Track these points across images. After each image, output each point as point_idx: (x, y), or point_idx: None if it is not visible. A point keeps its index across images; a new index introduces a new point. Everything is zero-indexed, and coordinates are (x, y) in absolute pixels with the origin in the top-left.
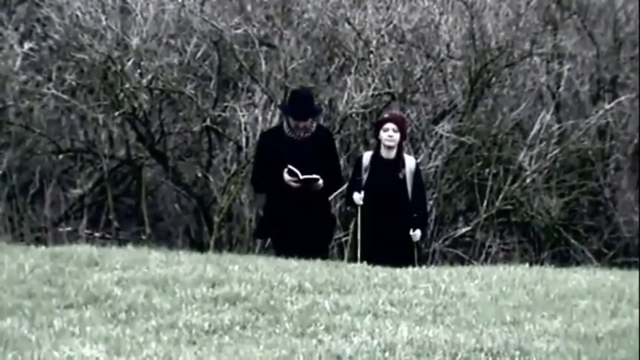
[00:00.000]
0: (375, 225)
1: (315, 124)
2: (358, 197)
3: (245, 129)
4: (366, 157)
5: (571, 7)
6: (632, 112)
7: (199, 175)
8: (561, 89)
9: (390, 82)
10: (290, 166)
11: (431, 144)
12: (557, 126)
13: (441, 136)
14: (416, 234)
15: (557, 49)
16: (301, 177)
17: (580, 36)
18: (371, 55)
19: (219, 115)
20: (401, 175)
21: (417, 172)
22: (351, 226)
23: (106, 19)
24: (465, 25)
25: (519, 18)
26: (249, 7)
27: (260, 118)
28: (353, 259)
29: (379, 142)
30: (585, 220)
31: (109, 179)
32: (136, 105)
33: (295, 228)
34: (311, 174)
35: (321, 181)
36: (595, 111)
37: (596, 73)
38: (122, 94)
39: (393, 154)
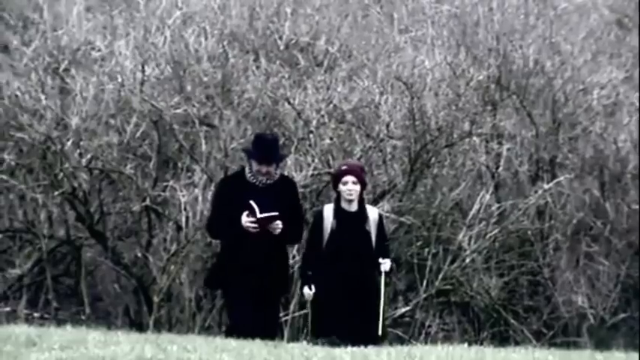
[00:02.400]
0: (339, 279)
1: (279, 172)
2: (308, 293)
3: (185, 209)
4: (327, 210)
5: (510, 88)
6: (570, 192)
7: (139, 254)
8: (500, 169)
9: (330, 161)
10: (251, 202)
11: None
12: (496, 206)
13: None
14: (385, 262)
15: (497, 129)
16: (259, 215)
17: (519, 116)
18: (311, 135)
19: (159, 195)
20: (367, 227)
21: (380, 224)
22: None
23: (46, 98)
24: (405, 105)
25: (459, 98)
26: (188, 87)
27: (200, 198)
28: (312, 329)
29: (338, 194)
30: (525, 300)
31: (48, 259)
32: (75, 185)
33: (250, 276)
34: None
35: (279, 223)
36: (534, 191)
37: (535, 153)
38: (61, 174)
39: (355, 206)
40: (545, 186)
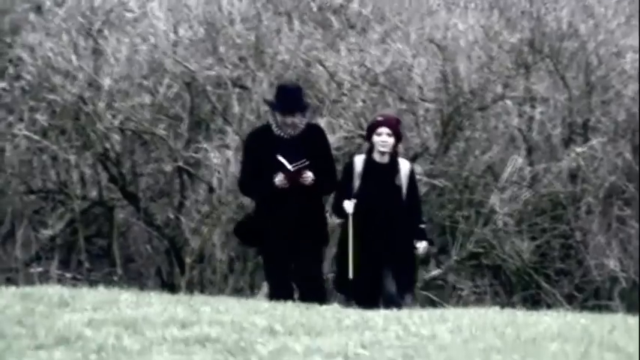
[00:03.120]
0: (368, 235)
1: (305, 121)
2: (349, 205)
3: (217, 170)
4: (358, 161)
5: (543, 51)
6: (603, 155)
7: (171, 216)
8: (533, 133)
9: (362, 124)
10: (279, 157)
11: None
12: (528, 169)
13: None
14: (422, 245)
15: (529, 92)
16: (290, 167)
17: (552, 79)
18: (343, 97)
19: (192, 157)
20: (397, 182)
21: (411, 177)
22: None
23: (78, 59)
24: (438, 68)
25: (492, 61)
26: (221, 49)
27: (232, 160)
28: (340, 274)
29: (372, 145)
30: (556, 263)
31: (81, 220)
32: (107, 146)
33: (287, 233)
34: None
35: (310, 173)
36: (567, 154)
37: (568, 116)
38: (94, 135)
39: (386, 158)
40: (578, 149)
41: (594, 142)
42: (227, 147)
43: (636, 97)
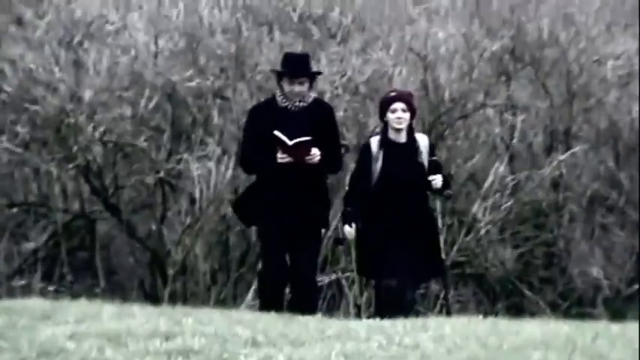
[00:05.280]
0: (394, 216)
1: (312, 96)
2: (349, 232)
3: (199, 181)
4: (374, 142)
5: (524, 59)
6: (585, 163)
7: (153, 228)
8: (515, 140)
9: (344, 133)
10: (276, 132)
11: None
12: (511, 177)
13: None
14: (436, 177)
15: (511, 100)
16: (289, 143)
17: (533, 87)
18: None
19: (173, 168)
20: (420, 159)
21: (431, 152)
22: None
23: (60, 71)
24: (419, 77)
25: (473, 70)
26: (202, 60)
27: (214, 171)
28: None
29: (386, 124)
30: (539, 271)
31: (63, 232)
32: (89, 158)
33: (287, 214)
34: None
35: (315, 151)
36: (549, 162)
37: (550, 124)
38: (76, 147)
39: (404, 136)
40: (560, 157)
41: (576, 149)
42: (208, 158)
43: (617, 104)
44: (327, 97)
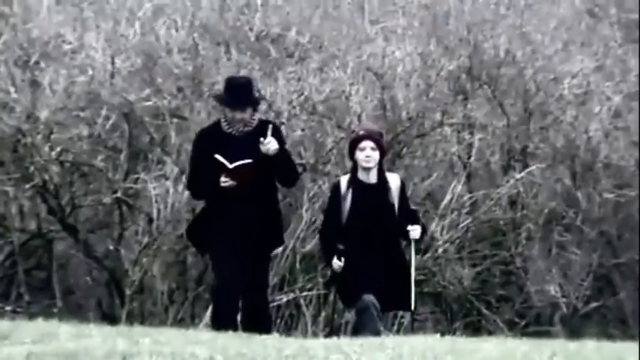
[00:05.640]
0: (364, 260)
1: (257, 118)
2: (338, 264)
3: (156, 201)
4: (344, 181)
5: (481, 78)
6: (542, 181)
7: (111, 247)
8: (472, 159)
9: (301, 153)
10: (217, 156)
11: None
12: (468, 196)
13: None
14: (415, 228)
15: (468, 119)
16: (230, 166)
17: (490, 106)
18: (282, 126)
19: (130, 188)
20: (390, 200)
21: (402, 191)
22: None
23: (16, 91)
24: (376, 96)
25: (430, 89)
26: (159, 79)
27: (171, 190)
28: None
29: (355, 163)
30: (497, 289)
31: (20, 252)
32: (46, 178)
33: (238, 234)
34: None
35: (270, 141)
36: (506, 181)
37: (507, 142)
38: (32, 167)
39: (374, 175)
40: (517, 175)
41: (533, 168)
42: (166, 177)
43: (574, 122)
44: (284, 117)
